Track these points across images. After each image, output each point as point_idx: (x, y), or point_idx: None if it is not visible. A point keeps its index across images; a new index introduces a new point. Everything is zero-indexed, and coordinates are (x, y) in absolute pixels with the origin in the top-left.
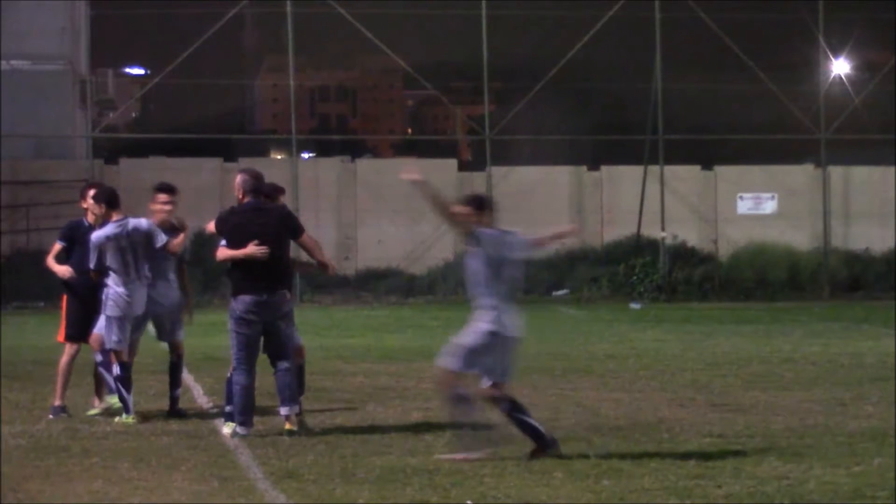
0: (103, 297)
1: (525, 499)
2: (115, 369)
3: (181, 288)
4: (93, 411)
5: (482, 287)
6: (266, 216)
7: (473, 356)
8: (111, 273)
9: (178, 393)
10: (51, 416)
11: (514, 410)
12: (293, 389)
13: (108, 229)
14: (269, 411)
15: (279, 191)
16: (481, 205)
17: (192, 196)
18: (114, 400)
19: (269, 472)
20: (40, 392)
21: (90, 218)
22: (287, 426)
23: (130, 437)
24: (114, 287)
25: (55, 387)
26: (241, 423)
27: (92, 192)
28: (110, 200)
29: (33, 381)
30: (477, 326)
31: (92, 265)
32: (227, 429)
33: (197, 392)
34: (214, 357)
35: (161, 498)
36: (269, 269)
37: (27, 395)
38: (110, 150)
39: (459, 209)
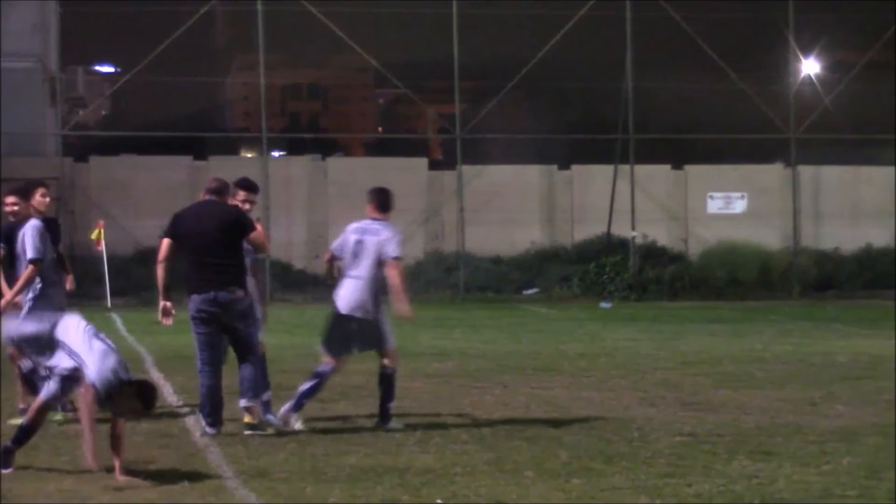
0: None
1: (496, 498)
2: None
3: (257, 287)
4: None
5: None
6: (212, 214)
7: None
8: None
9: (269, 396)
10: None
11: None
12: (253, 382)
13: (38, 221)
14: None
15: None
16: None
17: (163, 194)
18: (57, 417)
19: (240, 470)
20: (10, 390)
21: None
22: (246, 419)
23: (101, 437)
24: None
25: (17, 389)
26: (210, 424)
27: (41, 191)
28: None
29: (6, 380)
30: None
31: (36, 255)
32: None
33: (167, 390)
34: (184, 355)
35: (131, 497)
36: (215, 268)
37: None
38: (81, 148)
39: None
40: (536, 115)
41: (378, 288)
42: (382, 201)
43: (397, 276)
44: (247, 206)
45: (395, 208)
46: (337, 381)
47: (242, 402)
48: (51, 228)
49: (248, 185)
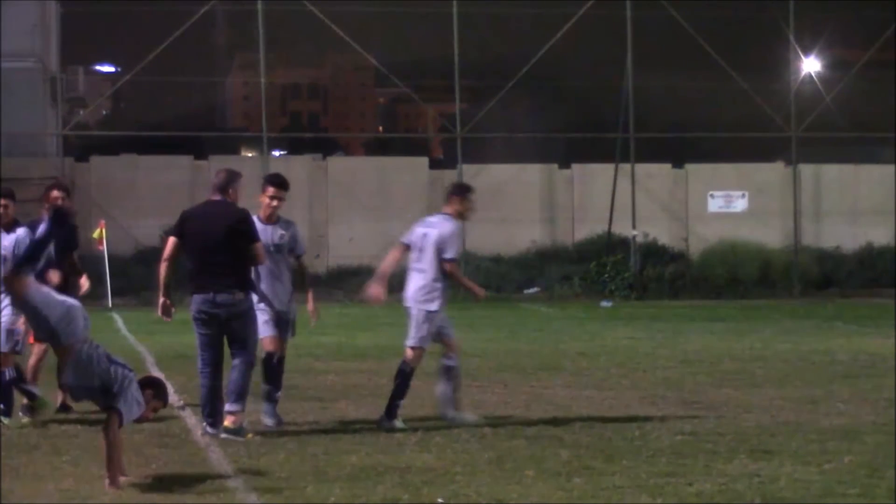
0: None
1: (496, 497)
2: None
3: (302, 287)
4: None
5: None
6: (218, 215)
7: None
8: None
9: (279, 395)
10: (20, 415)
11: None
12: (240, 387)
13: (23, 230)
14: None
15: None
16: None
17: (163, 194)
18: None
19: (240, 470)
20: None
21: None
22: (226, 422)
23: (101, 436)
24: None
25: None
26: (211, 424)
27: (54, 193)
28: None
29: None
30: None
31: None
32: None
33: (168, 390)
34: (186, 355)
35: (131, 497)
36: (217, 269)
37: None
38: (81, 148)
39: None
40: (537, 114)
41: (438, 280)
42: (447, 193)
43: (455, 275)
44: (275, 203)
45: (462, 198)
46: (336, 381)
47: (227, 407)
48: (61, 232)
49: (276, 182)
